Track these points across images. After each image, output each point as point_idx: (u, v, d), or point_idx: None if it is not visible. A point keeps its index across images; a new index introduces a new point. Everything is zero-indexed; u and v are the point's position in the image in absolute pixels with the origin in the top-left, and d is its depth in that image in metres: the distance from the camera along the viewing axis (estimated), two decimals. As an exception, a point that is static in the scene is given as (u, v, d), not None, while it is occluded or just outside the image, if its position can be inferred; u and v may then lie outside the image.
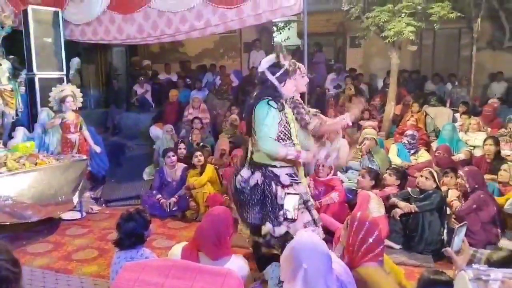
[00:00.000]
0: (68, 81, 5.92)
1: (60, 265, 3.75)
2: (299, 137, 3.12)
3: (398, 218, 4.02)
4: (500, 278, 1.30)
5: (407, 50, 7.31)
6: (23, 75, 5.78)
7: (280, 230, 2.85)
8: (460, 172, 4.10)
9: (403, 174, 4.49)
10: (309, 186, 4.28)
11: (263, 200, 2.96)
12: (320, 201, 4.24)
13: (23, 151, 4.72)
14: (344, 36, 10.87)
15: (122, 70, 10.39)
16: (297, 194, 2.23)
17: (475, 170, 4.18)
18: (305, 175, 3.34)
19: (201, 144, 6.15)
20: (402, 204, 4.02)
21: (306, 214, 2.94)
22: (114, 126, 8.56)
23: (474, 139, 5.74)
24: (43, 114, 5.68)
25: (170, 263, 1.89)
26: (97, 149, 5.66)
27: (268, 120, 2.86)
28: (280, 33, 11.53)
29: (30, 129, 5.81)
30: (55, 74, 6.18)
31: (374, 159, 5.07)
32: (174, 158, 5.27)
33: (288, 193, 2.20)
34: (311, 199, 3.11)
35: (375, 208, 4.07)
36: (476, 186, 3.94)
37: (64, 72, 6.31)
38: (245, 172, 3.02)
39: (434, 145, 5.90)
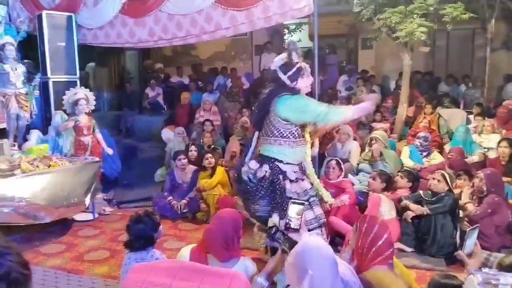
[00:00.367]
0: (81, 84, 5.99)
1: (72, 265, 3.81)
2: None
3: (410, 221, 3.98)
4: (510, 283, 1.27)
5: (420, 52, 7.23)
6: (37, 78, 5.90)
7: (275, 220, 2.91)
8: (480, 174, 3.98)
9: (415, 177, 4.45)
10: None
11: (271, 193, 3.00)
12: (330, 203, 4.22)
13: (37, 154, 4.80)
14: (356, 38, 10.81)
15: (135, 74, 10.51)
16: (302, 203, 2.22)
17: (496, 174, 4.07)
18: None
19: (212, 146, 6.17)
20: (413, 206, 3.98)
21: (308, 211, 2.96)
22: (127, 129, 8.66)
23: (488, 141, 5.64)
24: (57, 117, 5.77)
25: (177, 265, 1.90)
26: (110, 151, 5.72)
27: (308, 100, 3.00)
28: (292, 35, 11.51)
29: (44, 131, 5.90)
30: (68, 78, 6.27)
31: (387, 162, 5.03)
32: (185, 160, 5.30)
33: (293, 202, 2.19)
34: (315, 197, 3.12)
35: (386, 210, 4.03)
36: (492, 190, 3.86)
37: (78, 76, 6.40)
38: (253, 164, 3.06)
39: (447, 147, 5.82)
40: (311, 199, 3.07)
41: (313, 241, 1.74)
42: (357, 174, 5.15)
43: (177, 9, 5.60)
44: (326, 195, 3.44)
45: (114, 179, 6.17)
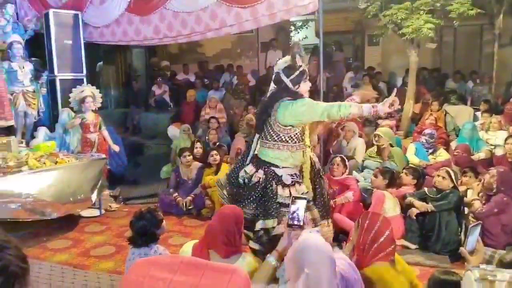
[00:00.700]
0: (93, 82, 6.04)
1: (79, 261, 3.86)
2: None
3: (415, 218, 3.96)
4: (507, 279, 1.26)
5: (427, 48, 7.17)
6: (44, 76, 5.96)
7: (277, 229, 2.87)
8: (493, 171, 3.89)
9: (419, 174, 4.43)
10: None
11: (261, 198, 3.00)
12: (334, 200, 4.22)
13: (44, 151, 4.86)
14: (363, 35, 10.75)
15: (142, 71, 10.56)
16: (305, 198, 2.20)
17: (508, 173, 3.95)
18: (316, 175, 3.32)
19: (217, 143, 6.19)
20: (418, 203, 3.97)
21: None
22: (133, 126, 8.71)
23: (495, 138, 5.59)
24: (64, 114, 5.82)
25: (178, 260, 1.90)
26: (116, 148, 5.77)
27: (309, 102, 2.95)
28: (298, 32, 11.48)
29: (52, 129, 5.96)
30: (75, 76, 6.32)
31: (393, 160, 5.01)
32: (190, 157, 5.33)
33: (296, 197, 2.17)
34: (311, 201, 3.08)
35: (390, 207, 4.02)
36: (502, 189, 3.80)
37: (84, 74, 6.45)
38: (249, 168, 3.06)
39: (453, 144, 5.78)
40: (310, 203, 3.01)
41: (312, 239, 1.73)
42: (362, 171, 5.14)
43: (182, 7, 5.63)
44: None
45: (120, 175, 6.22)
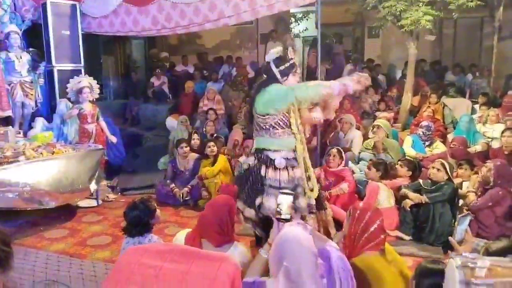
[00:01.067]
0: (88, 73, 6.04)
1: (75, 250, 3.89)
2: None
3: (409, 209, 3.99)
4: (487, 266, 1.29)
5: (427, 40, 7.14)
6: (42, 67, 5.96)
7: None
8: (490, 164, 3.84)
9: (415, 166, 4.44)
10: (319, 177, 4.31)
11: (251, 185, 3.01)
12: (330, 191, 4.24)
13: (41, 141, 4.88)
14: (362, 27, 10.69)
15: (141, 62, 10.55)
16: (291, 194, 2.17)
17: (506, 167, 3.87)
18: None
19: (215, 135, 6.21)
20: (412, 195, 3.99)
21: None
22: (132, 117, 8.72)
23: (492, 131, 5.59)
24: (62, 105, 5.84)
25: (169, 248, 1.94)
26: (113, 139, 5.78)
27: (275, 87, 2.93)
28: (298, 24, 11.41)
29: (49, 119, 5.98)
30: (73, 66, 6.31)
31: (388, 153, 5.02)
32: (187, 148, 5.35)
33: (282, 192, 2.16)
34: (303, 187, 3.05)
35: (384, 199, 4.05)
36: (499, 182, 3.77)
37: (82, 64, 6.44)
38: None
39: (450, 137, 5.79)
40: (298, 189, 2.97)
41: (292, 233, 1.72)
42: (358, 163, 5.16)
43: (180, -2, 5.60)
44: (312, 193, 3.14)
45: (118, 166, 6.25)
